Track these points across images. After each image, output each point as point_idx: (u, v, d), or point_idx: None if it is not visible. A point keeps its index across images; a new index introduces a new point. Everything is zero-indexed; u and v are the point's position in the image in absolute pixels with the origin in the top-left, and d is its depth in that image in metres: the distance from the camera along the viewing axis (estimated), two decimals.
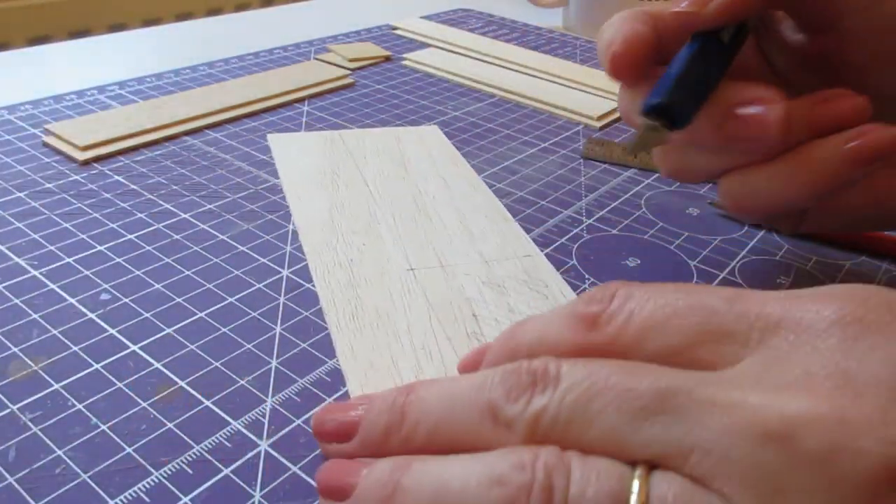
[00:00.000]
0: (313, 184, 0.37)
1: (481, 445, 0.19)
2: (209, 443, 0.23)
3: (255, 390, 0.25)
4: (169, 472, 0.22)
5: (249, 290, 0.30)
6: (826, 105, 0.25)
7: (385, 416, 0.21)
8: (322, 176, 0.38)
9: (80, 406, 0.24)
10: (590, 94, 0.53)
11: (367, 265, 0.31)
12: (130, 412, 0.24)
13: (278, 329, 0.28)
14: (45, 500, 0.21)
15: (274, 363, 0.26)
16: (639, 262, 0.34)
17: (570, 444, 0.17)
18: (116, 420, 0.23)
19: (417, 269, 0.31)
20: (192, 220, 0.35)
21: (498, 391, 0.19)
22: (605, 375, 0.18)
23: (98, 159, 0.40)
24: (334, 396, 0.25)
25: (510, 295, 0.30)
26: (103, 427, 0.23)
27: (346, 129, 0.45)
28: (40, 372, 0.25)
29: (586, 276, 0.33)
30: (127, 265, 0.31)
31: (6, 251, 0.31)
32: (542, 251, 0.34)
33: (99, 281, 0.30)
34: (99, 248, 0.32)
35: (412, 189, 0.38)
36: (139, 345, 0.27)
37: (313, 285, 0.30)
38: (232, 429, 0.23)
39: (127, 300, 0.29)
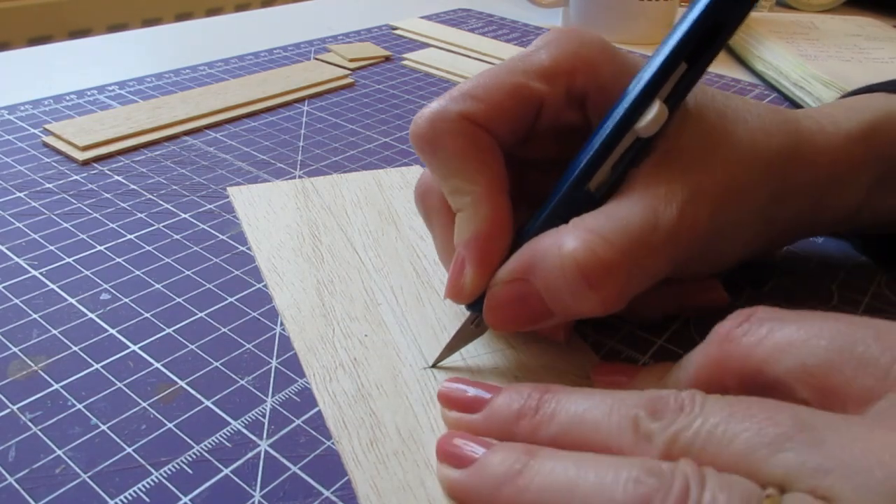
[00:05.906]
0: (292, 253, 0.32)
1: (614, 451, 0.19)
2: (209, 443, 0.23)
3: (255, 390, 0.25)
4: (169, 472, 0.22)
5: (249, 290, 0.30)
6: (704, 294, 0.30)
7: (520, 401, 0.21)
8: (300, 242, 0.33)
9: (80, 406, 0.24)
10: None
11: (376, 365, 0.26)
12: (130, 412, 0.24)
13: (278, 329, 0.28)
14: (45, 500, 0.21)
15: (274, 363, 0.26)
16: None
17: (706, 462, 0.17)
18: (116, 420, 0.23)
19: (436, 368, 0.26)
20: (192, 220, 0.35)
21: (643, 407, 0.19)
22: (745, 405, 0.18)
23: (98, 159, 0.40)
24: None
25: None
26: (103, 427, 0.23)
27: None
28: (40, 372, 0.25)
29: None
30: (127, 265, 0.31)
31: (6, 251, 0.31)
32: None
33: (99, 281, 0.30)
34: (99, 248, 0.32)
35: (408, 252, 0.32)
36: (139, 345, 0.27)
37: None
38: (232, 429, 0.23)
39: (127, 300, 0.29)
